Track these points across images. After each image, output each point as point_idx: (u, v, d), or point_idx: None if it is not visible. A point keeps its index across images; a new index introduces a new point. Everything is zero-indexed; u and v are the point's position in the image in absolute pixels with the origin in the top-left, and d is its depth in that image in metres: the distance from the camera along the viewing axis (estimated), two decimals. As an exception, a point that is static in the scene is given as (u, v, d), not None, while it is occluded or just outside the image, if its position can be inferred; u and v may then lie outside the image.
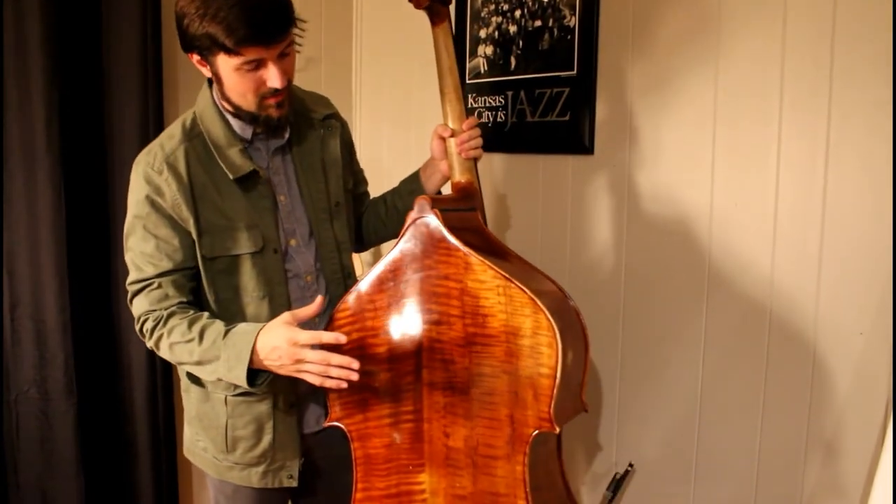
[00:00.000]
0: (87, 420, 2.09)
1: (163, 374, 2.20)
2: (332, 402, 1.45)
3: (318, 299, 1.29)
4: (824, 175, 1.56)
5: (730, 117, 1.70)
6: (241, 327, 1.35)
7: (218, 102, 1.42)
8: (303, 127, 1.52)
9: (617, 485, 1.87)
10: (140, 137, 2.10)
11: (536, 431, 1.29)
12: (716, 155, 1.73)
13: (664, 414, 1.88)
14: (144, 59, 2.09)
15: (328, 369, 1.27)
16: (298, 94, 1.55)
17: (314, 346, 1.28)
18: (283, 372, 1.31)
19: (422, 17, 1.56)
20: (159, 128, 2.13)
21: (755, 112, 1.65)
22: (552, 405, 1.26)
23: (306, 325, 1.43)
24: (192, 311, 1.40)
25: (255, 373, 1.33)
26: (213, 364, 1.35)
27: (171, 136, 1.42)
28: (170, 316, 1.38)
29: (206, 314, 1.40)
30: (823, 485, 1.62)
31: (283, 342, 1.26)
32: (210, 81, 1.43)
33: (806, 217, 1.60)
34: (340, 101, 1.70)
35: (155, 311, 1.40)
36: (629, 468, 1.88)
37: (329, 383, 1.29)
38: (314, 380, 1.29)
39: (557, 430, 1.28)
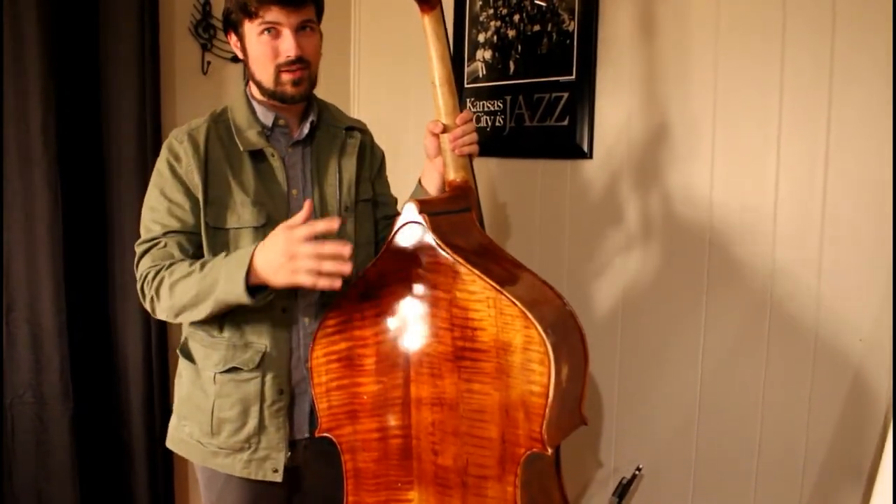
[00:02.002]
0: (83, 424, 2.08)
1: (160, 378, 2.19)
2: (322, 412, 1.43)
3: (307, 203, 1.26)
4: (824, 176, 1.55)
5: (729, 119, 1.68)
6: (241, 249, 1.37)
7: (248, 92, 1.52)
8: (326, 132, 1.57)
9: (623, 490, 1.81)
10: (137, 139, 2.09)
11: (528, 452, 1.24)
12: (715, 158, 1.71)
13: (663, 421, 1.86)
14: (142, 61, 2.08)
15: (321, 264, 1.24)
16: (333, 111, 1.61)
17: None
18: (278, 279, 1.28)
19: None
20: (156, 130, 2.12)
21: (754, 114, 1.64)
22: (544, 425, 1.21)
23: (304, 298, 1.48)
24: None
25: (255, 292, 1.32)
26: (213, 291, 1.33)
27: (199, 118, 1.52)
28: (171, 264, 1.42)
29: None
30: (823, 491, 1.60)
31: (279, 236, 1.26)
32: (246, 81, 1.52)
33: (805, 221, 1.58)
34: (339, 103, 1.68)
35: (157, 265, 1.43)
36: (637, 472, 1.80)
37: (322, 283, 1.25)
38: (308, 280, 1.25)
39: (549, 451, 1.23)
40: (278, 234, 1.27)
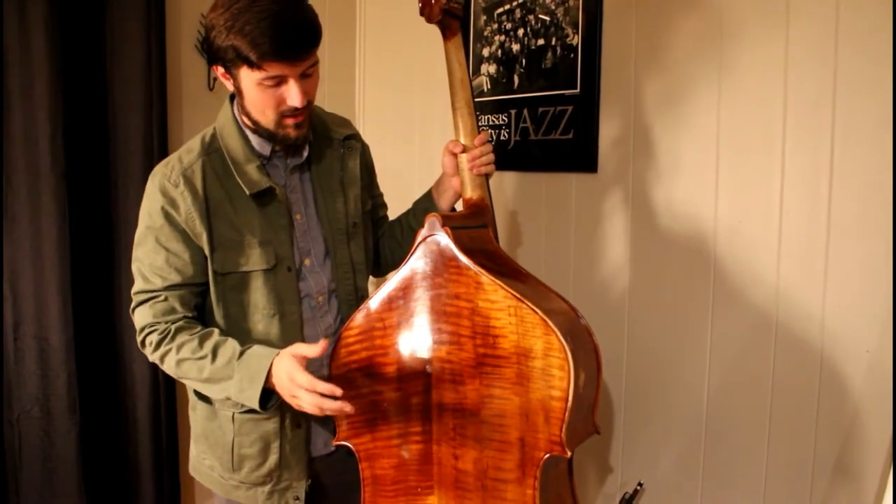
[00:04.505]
0: (90, 439, 2.08)
1: (166, 393, 2.20)
2: (340, 421, 1.44)
3: (322, 343, 1.26)
4: (829, 191, 1.57)
5: (733, 133, 1.70)
6: (257, 349, 1.36)
7: (238, 118, 1.43)
8: (322, 146, 1.52)
9: (626, 504, 1.84)
10: (144, 154, 2.11)
11: (547, 455, 1.27)
12: (720, 171, 1.73)
13: (670, 433, 1.88)
14: (149, 77, 2.10)
15: (322, 410, 1.29)
16: (320, 115, 1.55)
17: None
18: (286, 401, 1.34)
19: (426, 30, 1.55)
20: (163, 144, 2.14)
21: (759, 128, 1.66)
22: (564, 428, 1.24)
23: (312, 338, 1.45)
24: (199, 327, 1.41)
25: (266, 395, 1.34)
26: (223, 383, 1.36)
27: (190, 150, 1.42)
28: (178, 331, 1.39)
29: (216, 331, 1.40)
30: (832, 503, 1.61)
31: (285, 372, 1.29)
32: (232, 97, 1.44)
33: (810, 233, 1.60)
34: (344, 116, 1.70)
35: (159, 323, 1.40)
36: (639, 487, 1.85)
37: (324, 413, 1.31)
38: (310, 410, 1.31)
39: (569, 454, 1.26)
40: (285, 369, 1.29)
